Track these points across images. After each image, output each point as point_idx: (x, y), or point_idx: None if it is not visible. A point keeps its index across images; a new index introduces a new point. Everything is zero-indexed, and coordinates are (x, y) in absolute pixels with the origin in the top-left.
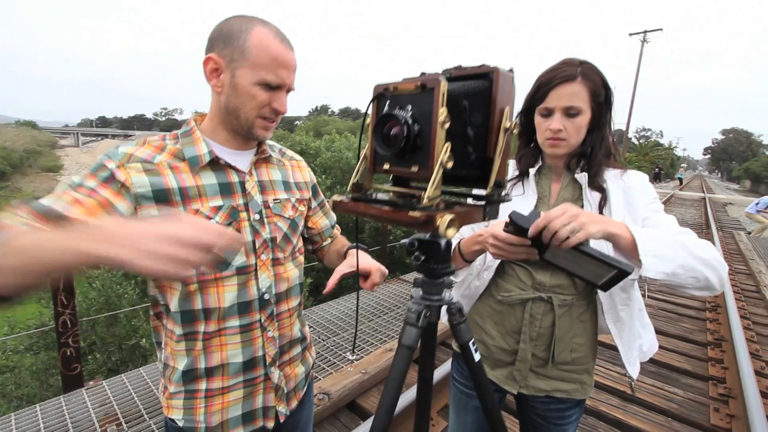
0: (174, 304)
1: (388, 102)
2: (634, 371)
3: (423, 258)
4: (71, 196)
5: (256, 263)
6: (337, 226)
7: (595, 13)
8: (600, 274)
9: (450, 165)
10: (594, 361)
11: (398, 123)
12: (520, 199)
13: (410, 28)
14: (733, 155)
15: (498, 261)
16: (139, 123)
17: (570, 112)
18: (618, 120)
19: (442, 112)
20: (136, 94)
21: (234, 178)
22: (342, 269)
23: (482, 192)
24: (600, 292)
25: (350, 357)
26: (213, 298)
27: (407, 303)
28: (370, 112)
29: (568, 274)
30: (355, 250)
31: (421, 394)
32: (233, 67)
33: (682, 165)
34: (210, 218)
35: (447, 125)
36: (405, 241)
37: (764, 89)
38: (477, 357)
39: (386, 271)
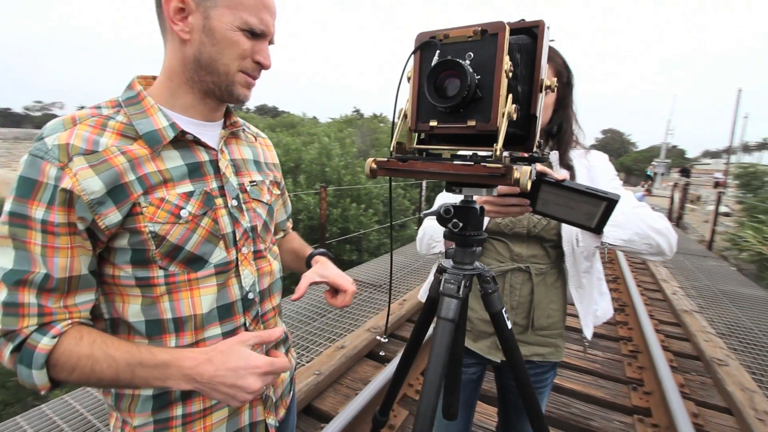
0: (132, 314)
1: (438, 51)
2: (588, 333)
3: (461, 225)
4: (33, 244)
5: (237, 258)
6: (290, 219)
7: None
8: (591, 213)
9: (514, 118)
10: (564, 326)
11: (460, 72)
12: None
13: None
14: (611, 152)
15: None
16: (3, 119)
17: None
18: None
19: (507, 61)
20: None
21: (203, 156)
22: (311, 276)
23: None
24: (566, 261)
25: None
26: (186, 304)
27: (441, 276)
28: (411, 63)
29: (561, 221)
30: (322, 257)
31: (453, 369)
32: (206, 6)
33: None
34: (180, 207)
35: (510, 75)
36: (431, 210)
37: (632, 96)
38: (509, 324)
39: (354, 288)
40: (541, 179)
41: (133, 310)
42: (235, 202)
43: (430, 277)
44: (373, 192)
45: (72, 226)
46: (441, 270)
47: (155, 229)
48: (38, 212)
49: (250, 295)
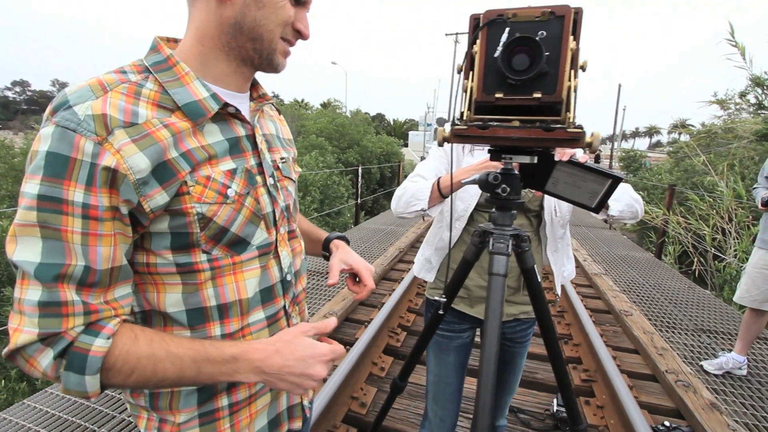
0: (170, 304)
1: (507, 29)
2: (558, 290)
3: (509, 190)
4: (70, 232)
5: (276, 239)
6: None
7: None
8: (595, 192)
9: (575, 92)
10: None
11: (534, 48)
12: (484, 154)
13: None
14: None
15: (470, 210)
16: None
17: None
18: (440, 110)
19: (572, 40)
20: None
21: (241, 131)
22: (340, 264)
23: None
24: (546, 228)
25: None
26: (231, 289)
27: (478, 240)
28: (478, 40)
29: (565, 200)
30: (340, 242)
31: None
32: None
33: None
34: (227, 186)
35: (573, 53)
36: (474, 177)
37: None
38: (539, 278)
39: (374, 285)
40: (558, 160)
41: (171, 299)
42: (271, 180)
43: (420, 254)
44: (308, 179)
45: (115, 210)
46: (480, 234)
47: (203, 210)
48: (77, 195)
49: (288, 277)
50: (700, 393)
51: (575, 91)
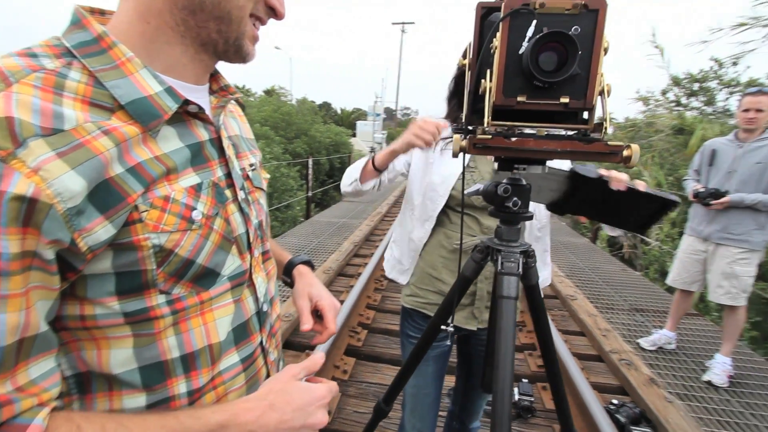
0: (118, 363)
1: (534, 21)
2: None
3: (520, 203)
4: None
5: (251, 264)
6: None
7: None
8: (643, 215)
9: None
10: None
11: (566, 46)
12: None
13: None
14: None
15: (439, 210)
16: None
17: None
18: (388, 99)
19: (606, 38)
20: None
21: (203, 134)
22: (306, 304)
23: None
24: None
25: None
26: (198, 333)
27: (480, 256)
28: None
29: (592, 218)
30: (305, 269)
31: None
32: None
33: None
34: (191, 208)
35: (606, 53)
36: (476, 187)
37: None
38: (542, 294)
39: (335, 329)
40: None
41: (119, 357)
42: (242, 194)
43: (390, 254)
44: None
45: (31, 256)
46: (482, 250)
47: (161, 241)
48: None
49: (264, 307)
50: (641, 370)
51: (608, 96)
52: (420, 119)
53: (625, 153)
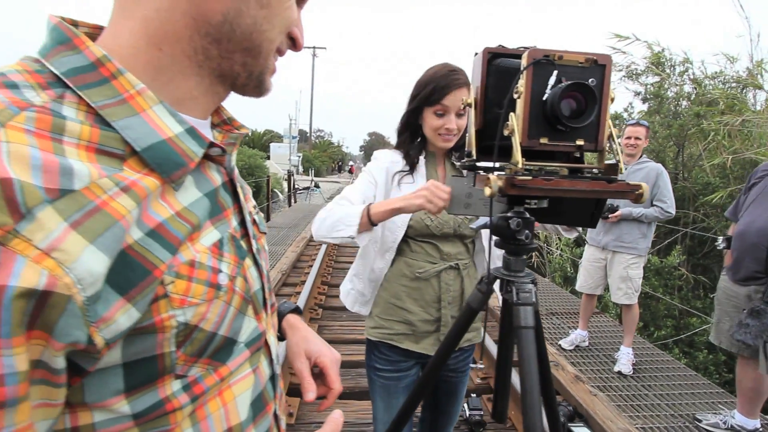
0: None
1: (555, 72)
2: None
3: (530, 236)
4: None
5: (266, 323)
6: None
7: None
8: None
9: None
10: None
11: (586, 96)
12: (412, 187)
13: None
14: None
15: (398, 241)
16: None
17: (460, 113)
18: (302, 122)
19: (613, 89)
20: None
21: (216, 177)
22: (305, 365)
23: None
24: (486, 254)
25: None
26: (217, 417)
27: (484, 288)
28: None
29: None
30: (295, 320)
31: (506, 373)
32: None
33: (350, 160)
34: (217, 270)
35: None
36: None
37: (390, 105)
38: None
39: (340, 388)
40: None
41: None
42: (255, 244)
43: (350, 287)
44: None
45: (33, 368)
46: (491, 282)
47: (186, 318)
48: None
49: (277, 369)
50: (567, 369)
51: (616, 139)
52: (431, 184)
53: (640, 192)
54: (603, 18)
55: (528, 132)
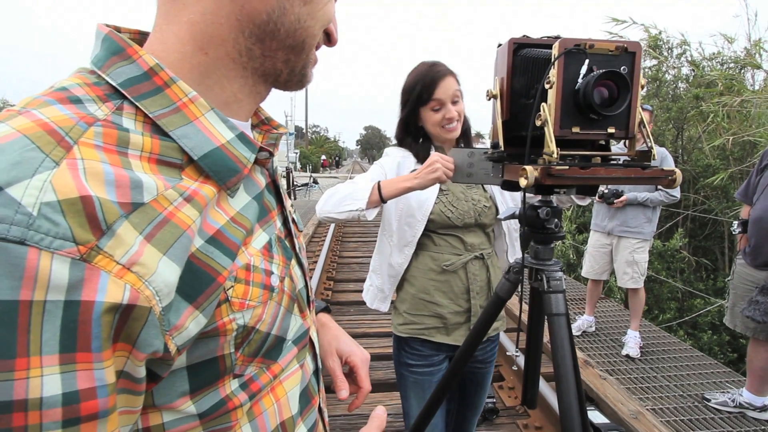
0: None
1: (587, 60)
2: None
3: (558, 224)
4: None
5: (310, 321)
6: None
7: None
8: None
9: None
10: None
11: (619, 85)
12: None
13: None
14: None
15: (418, 235)
16: None
17: (455, 100)
18: (297, 118)
19: (642, 77)
20: None
21: (261, 179)
22: (337, 365)
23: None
24: (506, 238)
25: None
26: (272, 413)
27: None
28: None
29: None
30: (326, 319)
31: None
32: None
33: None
34: (270, 273)
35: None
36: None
37: (386, 97)
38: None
39: (369, 387)
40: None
41: None
42: (297, 243)
43: (369, 284)
44: None
45: (122, 377)
46: (519, 270)
47: (245, 320)
48: (48, 385)
49: (320, 363)
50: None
51: (646, 126)
52: (438, 156)
53: (673, 177)
54: (599, 1)
55: (561, 121)
